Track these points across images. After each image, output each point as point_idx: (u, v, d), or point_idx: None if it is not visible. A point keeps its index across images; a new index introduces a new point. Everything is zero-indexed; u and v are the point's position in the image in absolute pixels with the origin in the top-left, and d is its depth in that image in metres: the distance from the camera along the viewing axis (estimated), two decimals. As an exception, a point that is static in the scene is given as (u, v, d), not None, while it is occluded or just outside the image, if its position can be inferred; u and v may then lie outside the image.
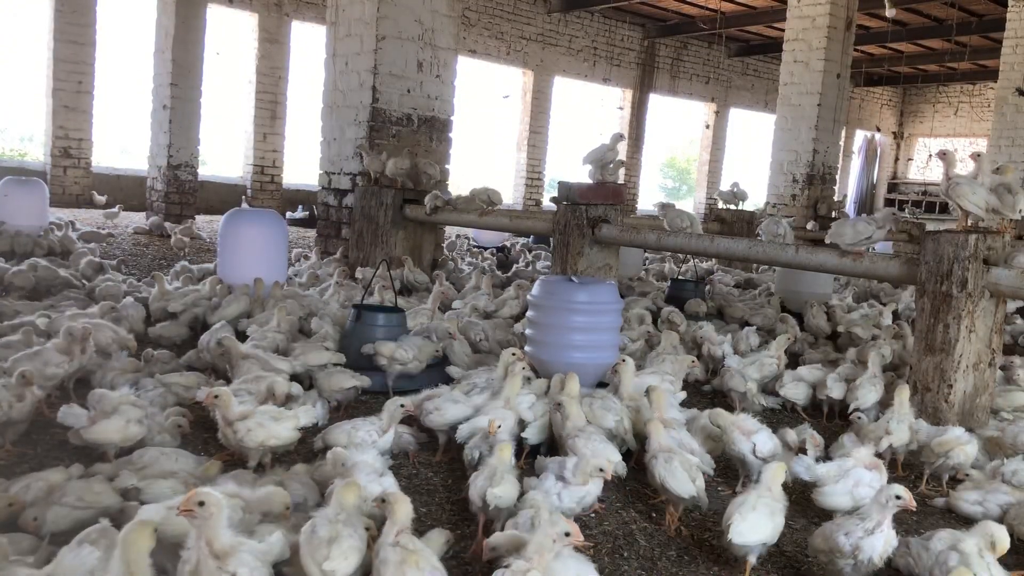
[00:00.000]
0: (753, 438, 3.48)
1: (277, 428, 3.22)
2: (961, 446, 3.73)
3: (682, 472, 3.08)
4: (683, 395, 4.39)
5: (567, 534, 2.32)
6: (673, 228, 6.27)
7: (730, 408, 4.64)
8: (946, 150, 4.61)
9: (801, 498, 3.53)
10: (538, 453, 3.59)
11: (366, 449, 3.12)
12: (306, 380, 4.38)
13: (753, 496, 2.79)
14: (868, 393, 4.49)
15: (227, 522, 2.16)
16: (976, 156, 4.61)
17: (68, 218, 10.27)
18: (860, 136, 27.35)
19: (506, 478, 2.86)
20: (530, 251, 11.72)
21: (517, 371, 3.90)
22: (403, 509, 2.29)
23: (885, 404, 4.33)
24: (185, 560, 2.12)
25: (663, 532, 3.11)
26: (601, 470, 2.91)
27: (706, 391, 5.20)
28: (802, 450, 3.67)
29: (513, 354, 4.04)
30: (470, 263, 9.96)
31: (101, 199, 14.15)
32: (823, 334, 6.64)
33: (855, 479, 3.20)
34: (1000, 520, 3.13)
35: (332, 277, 7.29)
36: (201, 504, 2.10)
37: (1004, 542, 2.60)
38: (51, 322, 4.78)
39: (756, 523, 2.71)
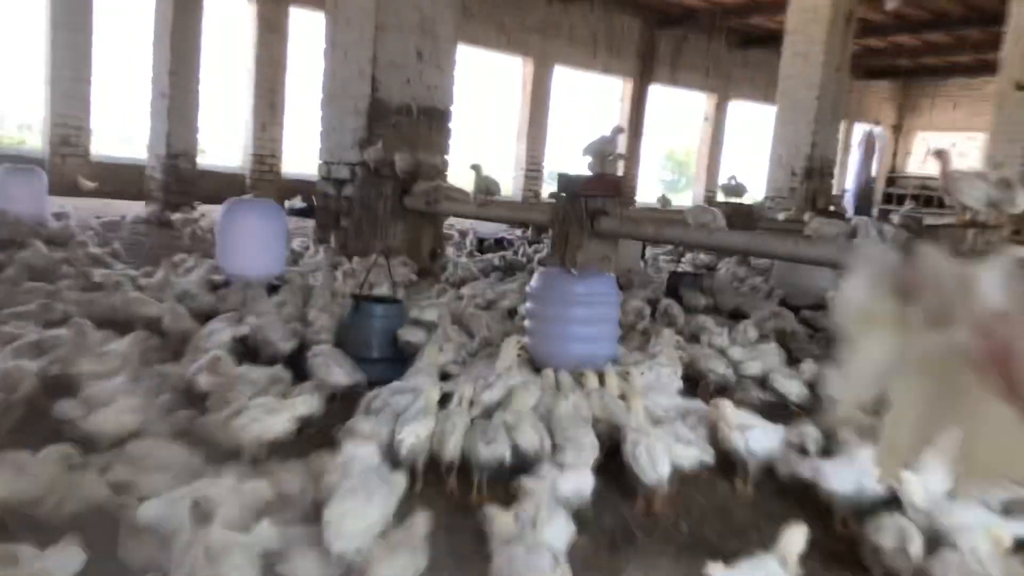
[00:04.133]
0: (747, 433, 3.47)
1: (272, 421, 3.19)
2: None
3: (646, 457, 3.10)
4: (680, 382, 4.39)
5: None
6: (697, 224, 6.17)
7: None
8: (942, 149, 4.58)
9: (801, 498, 3.51)
10: None
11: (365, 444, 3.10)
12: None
13: None
14: (865, 389, 4.46)
15: (220, 522, 2.14)
16: (1004, 181, 4.46)
17: (70, 207, 10.23)
18: (859, 129, 27.29)
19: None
20: (530, 244, 11.68)
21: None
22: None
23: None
24: (178, 564, 2.10)
25: (662, 529, 3.10)
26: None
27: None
28: (803, 450, 3.65)
29: (518, 342, 4.02)
30: (469, 253, 9.96)
31: (89, 184, 14.05)
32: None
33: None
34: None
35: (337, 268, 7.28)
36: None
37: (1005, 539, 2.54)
38: None
39: None
